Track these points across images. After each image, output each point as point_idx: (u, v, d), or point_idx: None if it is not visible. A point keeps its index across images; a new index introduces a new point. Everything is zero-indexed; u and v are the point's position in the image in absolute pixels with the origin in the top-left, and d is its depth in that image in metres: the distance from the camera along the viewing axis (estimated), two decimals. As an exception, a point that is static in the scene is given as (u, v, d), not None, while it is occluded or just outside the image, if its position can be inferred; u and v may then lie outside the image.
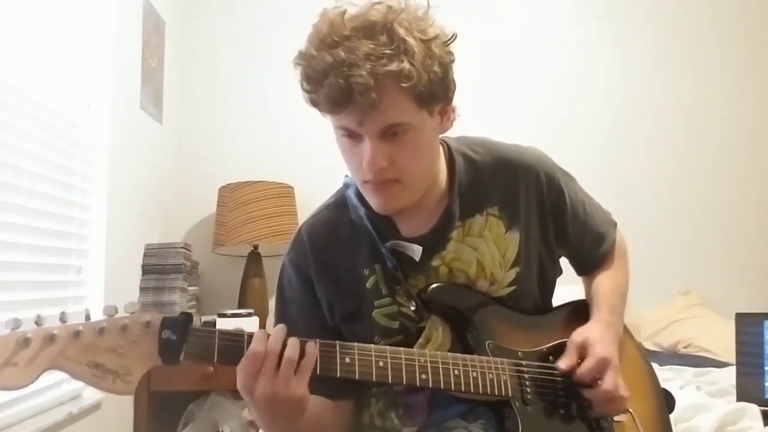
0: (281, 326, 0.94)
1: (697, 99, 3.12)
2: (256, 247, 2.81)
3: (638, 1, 3.19)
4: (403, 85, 0.95)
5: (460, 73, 1.07)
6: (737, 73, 3.13)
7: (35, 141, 1.85)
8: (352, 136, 1.01)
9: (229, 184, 2.81)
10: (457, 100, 1.09)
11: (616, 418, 1.11)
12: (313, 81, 0.98)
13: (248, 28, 3.12)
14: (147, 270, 2.55)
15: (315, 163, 2.94)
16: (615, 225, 1.33)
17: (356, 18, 0.98)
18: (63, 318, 0.83)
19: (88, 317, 0.85)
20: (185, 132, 3.06)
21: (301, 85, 1.01)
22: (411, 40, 0.96)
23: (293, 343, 0.92)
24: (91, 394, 2.05)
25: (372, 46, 0.94)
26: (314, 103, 1.00)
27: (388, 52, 0.95)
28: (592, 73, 3.14)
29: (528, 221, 1.17)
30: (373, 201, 1.07)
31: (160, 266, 2.55)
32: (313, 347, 0.93)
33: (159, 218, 2.81)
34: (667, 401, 1.25)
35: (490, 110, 2.77)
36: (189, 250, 2.68)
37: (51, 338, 0.80)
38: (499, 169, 1.16)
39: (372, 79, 0.93)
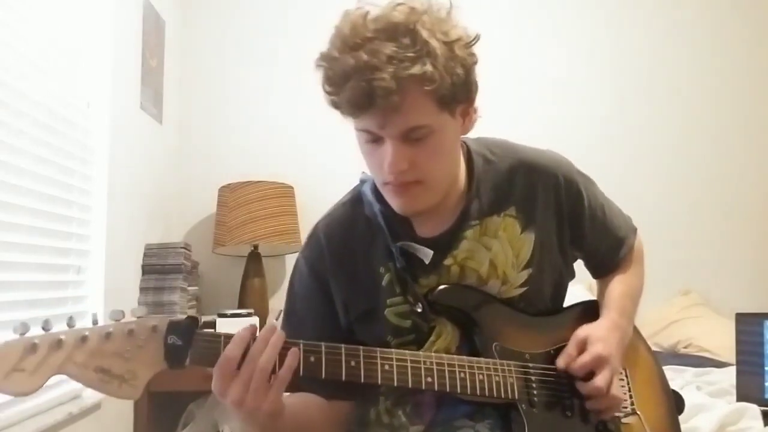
0: (268, 330, 0.92)
1: (697, 99, 3.12)
2: (256, 247, 2.81)
3: (643, 4, 3.19)
4: (426, 88, 0.94)
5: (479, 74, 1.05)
6: (738, 74, 3.13)
7: (35, 141, 1.85)
8: (374, 138, 1.00)
9: (229, 184, 2.81)
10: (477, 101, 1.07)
11: (624, 420, 1.11)
12: (335, 83, 0.96)
13: (248, 28, 3.12)
14: (147, 270, 2.55)
15: (315, 163, 2.96)
16: (635, 230, 1.32)
17: (379, 19, 0.96)
18: (70, 323, 0.83)
19: (95, 322, 0.85)
20: (185, 132, 3.06)
21: (323, 87, 1.00)
22: (434, 42, 0.95)
23: (270, 352, 0.90)
24: (91, 394, 2.04)
25: (394, 48, 0.93)
26: (336, 105, 0.99)
27: (411, 54, 0.93)
28: (592, 74, 3.14)
29: (544, 223, 1.16)
30: (393, 203, 1.06)
31: (160, 266, 2.55)
32: (292, 359, 0.91)
33: (159, 218, 2.81)
34: (676, 403, 1.24)
35: (496, 112, 2.77)
36: (189, 250, 2.68)
37: (58, 344, 0.80)
38: (517, 172, 1.16)
39: (394, 83, 0.92)
